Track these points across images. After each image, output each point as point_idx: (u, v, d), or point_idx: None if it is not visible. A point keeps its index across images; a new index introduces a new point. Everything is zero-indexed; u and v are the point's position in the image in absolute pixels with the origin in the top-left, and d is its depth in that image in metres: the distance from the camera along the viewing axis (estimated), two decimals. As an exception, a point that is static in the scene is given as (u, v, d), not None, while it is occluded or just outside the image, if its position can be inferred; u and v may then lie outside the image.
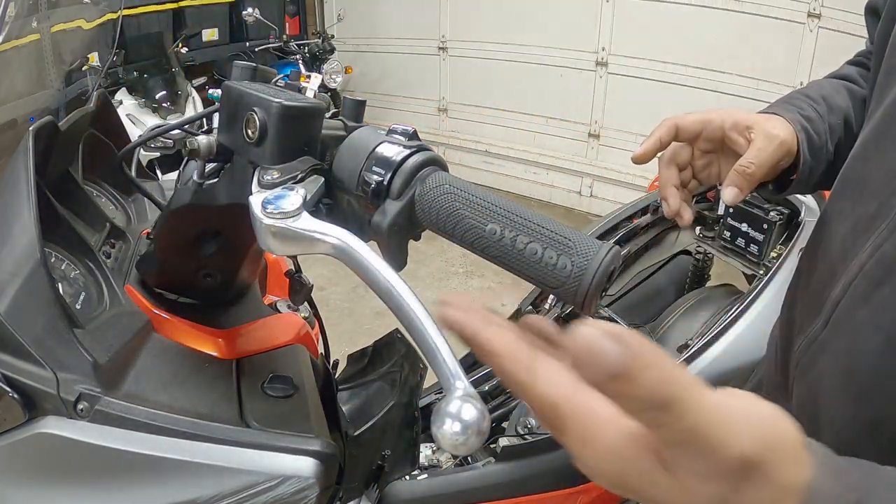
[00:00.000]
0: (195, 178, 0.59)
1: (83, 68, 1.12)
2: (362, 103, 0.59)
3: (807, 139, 0.63)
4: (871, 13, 0.66)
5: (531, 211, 0.45)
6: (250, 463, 0.56)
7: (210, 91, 3.80)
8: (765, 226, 1.46)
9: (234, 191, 0.56)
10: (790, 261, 1.30)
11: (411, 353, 0.75)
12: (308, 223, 0.45)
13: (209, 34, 4.21)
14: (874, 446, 0.50)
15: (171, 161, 3.20)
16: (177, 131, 0.70)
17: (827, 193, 0.64)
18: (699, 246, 1.66)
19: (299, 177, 0.48)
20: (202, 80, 4.02)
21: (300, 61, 3.96)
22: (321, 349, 0.90)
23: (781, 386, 0.65)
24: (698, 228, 1.67)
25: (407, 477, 0.88)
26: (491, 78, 4.12)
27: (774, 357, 0.70)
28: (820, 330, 0.55)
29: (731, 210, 1.53)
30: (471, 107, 4.33)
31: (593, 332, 0.25)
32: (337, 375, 0.83)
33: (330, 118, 0.56)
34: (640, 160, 0.64)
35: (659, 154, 0.65)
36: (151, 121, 3.23)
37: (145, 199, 0.84)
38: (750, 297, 1.24)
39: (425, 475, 0.93)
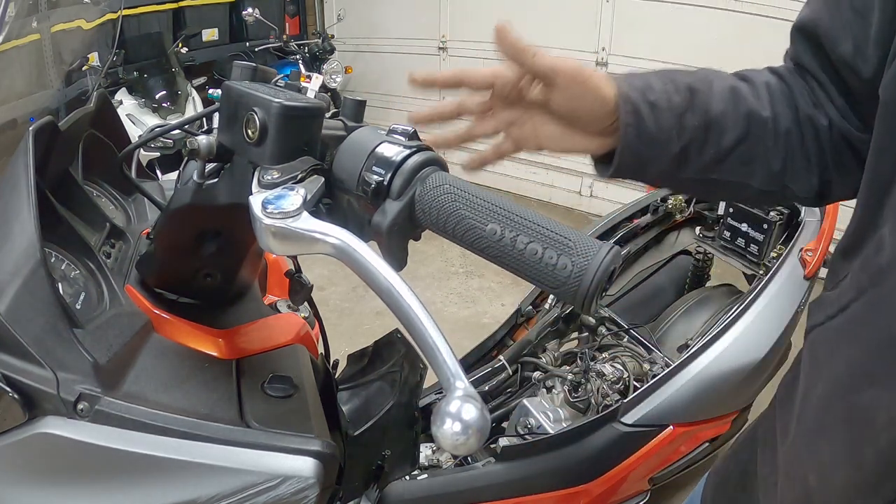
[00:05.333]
0: (195, 178, 0.59)
1: (83, 68, 1.11)
2: (362, 103, 0.59)
3: (640, 108, 0.53)
4: (801, 32, 0.57)
5: (531, 211, 0.45)
6: (250, 463, 0.56)
7: (210, 91, 3.79)
8: (765, 226, 1.46)
9: (234, 191, 0.56)
10: (790, 261, 1.30)
11: (411, 353, 0.75)
12: (308, 223, 0.45)
13: (209, 34, 4.21)
14: None
15: (171, 161, 3.19)
16: (177, 131, 0.70)
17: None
18: (699, 246, 1.66)
19: (299, 177, 0.48)
20: (202, 80, 4.01)
21: (300, 61, 3.95)
22: (321, 349, 0.89)
23: None
24: (698, 228, 1.67)
25: (407, 477, 0.88)
26: (491, 78, 4.12)
27: None
28: None
29: (731, 210, 1.53)
30: (471, 107, 4.32)
31: None
32: (337, 375, 0.83)
33: (330, 118, 0.56)
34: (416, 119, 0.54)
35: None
36: (151, 121, 3.22)
37: (145, 199, 0.84)
38: (750, 298, 1.24)
39: (425, 475, 0.93)
